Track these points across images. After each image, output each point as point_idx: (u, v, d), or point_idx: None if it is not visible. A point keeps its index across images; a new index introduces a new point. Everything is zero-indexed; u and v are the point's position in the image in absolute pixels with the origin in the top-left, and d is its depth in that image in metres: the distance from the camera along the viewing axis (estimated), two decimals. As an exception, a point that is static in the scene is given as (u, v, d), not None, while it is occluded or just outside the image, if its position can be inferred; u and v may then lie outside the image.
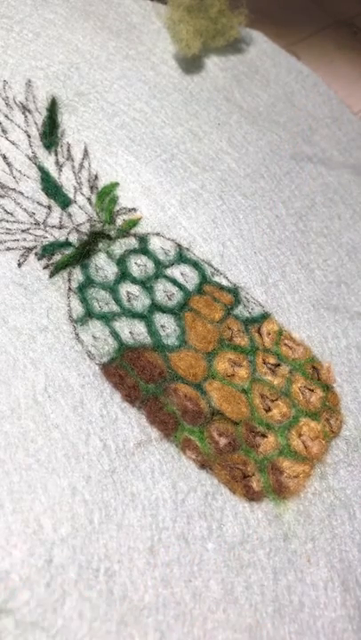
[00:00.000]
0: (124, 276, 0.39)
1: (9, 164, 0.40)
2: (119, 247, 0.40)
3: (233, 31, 0.52)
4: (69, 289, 0.37)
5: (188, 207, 0.43)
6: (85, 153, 0.43)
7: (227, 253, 0.42)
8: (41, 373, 0.33)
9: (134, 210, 0.41)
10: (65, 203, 0.40)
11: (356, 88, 0.56)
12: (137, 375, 0.35)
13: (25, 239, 0.38)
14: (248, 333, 0.39)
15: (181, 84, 0.49)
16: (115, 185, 0.42)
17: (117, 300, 0.37)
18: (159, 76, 0.49)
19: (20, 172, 0.40)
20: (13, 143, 0.41)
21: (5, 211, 0.38)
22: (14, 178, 0.40)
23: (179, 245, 0.41)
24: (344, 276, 0.44)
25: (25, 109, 0.42)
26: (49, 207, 0.39)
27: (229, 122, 0.49)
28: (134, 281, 0.39)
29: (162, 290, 0.39)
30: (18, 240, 0.38)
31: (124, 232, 0.40)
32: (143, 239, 0.40)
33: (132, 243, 0.40)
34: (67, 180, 0.41)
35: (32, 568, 0.28)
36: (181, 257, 0.40)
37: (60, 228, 0.39)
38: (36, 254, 0.38)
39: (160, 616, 0.28)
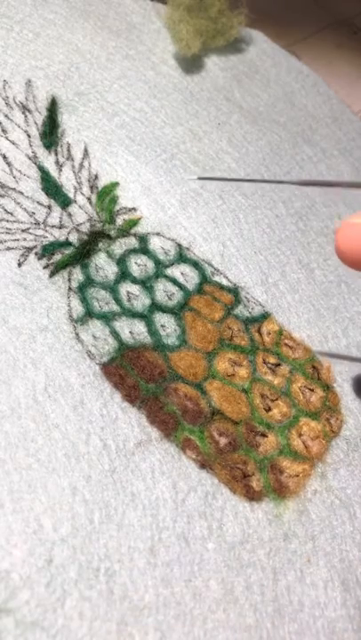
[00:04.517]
0: (124, 275, 0.39)
1: (9, 164, 0.40)
2: (119, 247, 0.40)
3: (233, 31, 0.51)
4: (69, 288, 0.37)
5: (189, 207, 0.43)
6: (85, 153, 0.43)
7: (227, 253, 0.42)
8: (41, 373, 0.33)
9: (134, 209, 0.41)
10: (65, 202, 0.40)
11: (356, 88, 0.56)
12: (137, 375, 0.35)
13: (25, 239, 0.38)
14: (248, 333, 0.39)
15: (181, 84, 0.49)
16: (115, 185, 0.42)
17: (117, 300, 0.37)
18: (159, 76, 0.49)
19: (19, 171, 0.40)
20: (13, 143, 0.41)
21: (5, 210, 0.38)
22: (14, 177, 0.40)
23: (179, 245, 0.41)
24: (344, 276, 0.44)
25: (25, 109, 0.42)
26: (49, 207, 0.39)
27: (229, 121, 0.49)
28: (134, 281, 0.39)
29: (162, 289, 0.39)
30: (18, 240, 0.38)
31: (125, 232, 0.40)
32: (143, 239, 0.40)
33: (132, 242, 0.40)
34: (67, 179, 0.41)
35: (32, 568, 0.28)
36: (181, 257, 0.40)
37: (61, 227, 0.39)
38: (36, 254, 0.38)
39: (160, 616, 0.28)
